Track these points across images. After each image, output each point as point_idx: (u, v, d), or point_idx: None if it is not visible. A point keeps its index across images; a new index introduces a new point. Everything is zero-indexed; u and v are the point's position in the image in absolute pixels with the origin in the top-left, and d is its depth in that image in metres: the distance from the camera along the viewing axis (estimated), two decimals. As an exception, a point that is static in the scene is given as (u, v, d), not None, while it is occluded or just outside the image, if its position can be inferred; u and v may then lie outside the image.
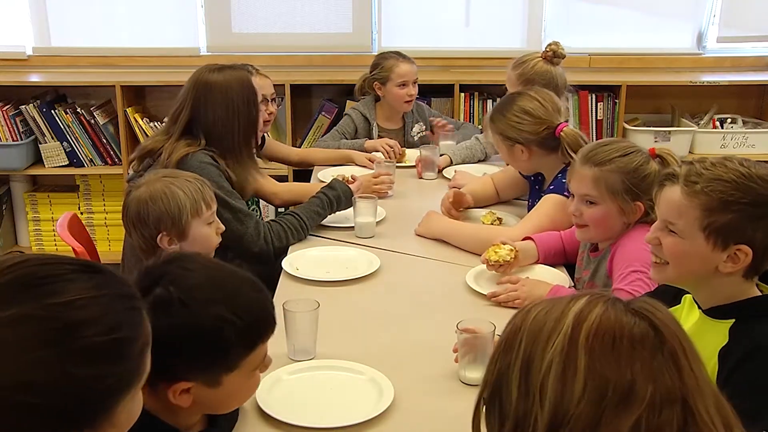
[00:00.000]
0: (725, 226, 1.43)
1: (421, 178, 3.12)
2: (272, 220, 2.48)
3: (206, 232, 1.96)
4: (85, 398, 0.88)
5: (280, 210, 3.94)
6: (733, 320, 1.45)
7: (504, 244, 2.14)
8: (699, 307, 1.52)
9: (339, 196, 2.57)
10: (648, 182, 1.94)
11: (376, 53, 4.00)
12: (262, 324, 1.30)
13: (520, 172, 2.67)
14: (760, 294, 1.49)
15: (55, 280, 0.90)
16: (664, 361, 0.90)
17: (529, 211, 2.61)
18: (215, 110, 2.37)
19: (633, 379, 0.88)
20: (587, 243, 2.15)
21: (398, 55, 3.39)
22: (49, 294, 0.88)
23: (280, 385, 1.63)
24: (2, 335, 0.84)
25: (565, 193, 2.23)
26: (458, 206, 2.61)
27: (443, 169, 3.16)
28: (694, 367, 0.92)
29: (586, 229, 2.06)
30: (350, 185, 2.64)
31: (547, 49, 2.93)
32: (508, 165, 3.21)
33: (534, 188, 2.62)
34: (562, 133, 2.37)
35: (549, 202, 2.37)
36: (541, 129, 2.39)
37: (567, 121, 2.43)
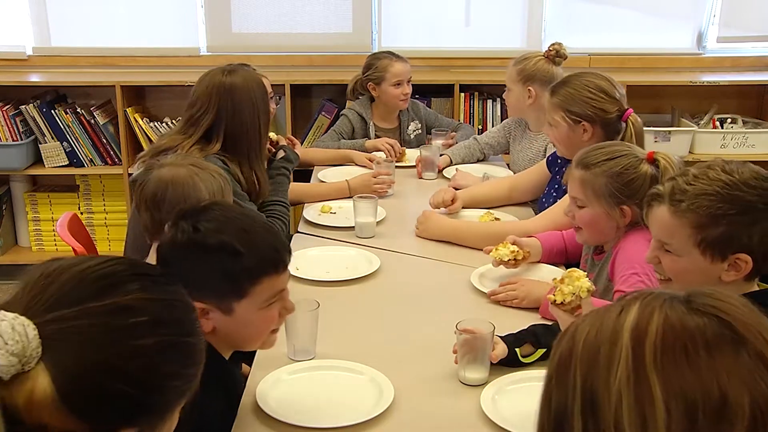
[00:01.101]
0: (719, 238, 1.43)
1: (421, 178, 3.12)
2: (270, 217, 2.48)
3: None
4: (162, 395, 0.90)
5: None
6: None
7: (512, 244, 2.13)
8: None
9: (292, 164, 2.69)
10: (635, 187, 1.93)
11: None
12: (269, 260, 1.44)
13: (548, 163, 2.65)
14: (758, 290, 1.50)
15: (144, 279, 0.93)
16: (752, 364, 0.74)
17: (544, 199, 2.62)
18: (242, 112, 2.40)
19: (723, 391, 0.73)
20: (591, 245, 2.15)
21: (391, 55, 3.40)
22: (143, 289, 0.91)
23: (280, 385, 1.63)
24: (105, 321, 0.86)
25: None
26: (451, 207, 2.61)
27: (443, 169, 3.17)
28: None
29: (581, 232, 2.07)
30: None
31: (550, 49, 2.95)
32: (508, 164, 3.23)
33: (555, 177, 2.62)
34: (630, 118, 2.33)
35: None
36: (614, 109, 2.36)
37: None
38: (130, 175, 3.64)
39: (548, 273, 2.18)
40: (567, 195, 2.37)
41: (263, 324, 1.47)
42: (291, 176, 2.72)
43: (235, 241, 1.39)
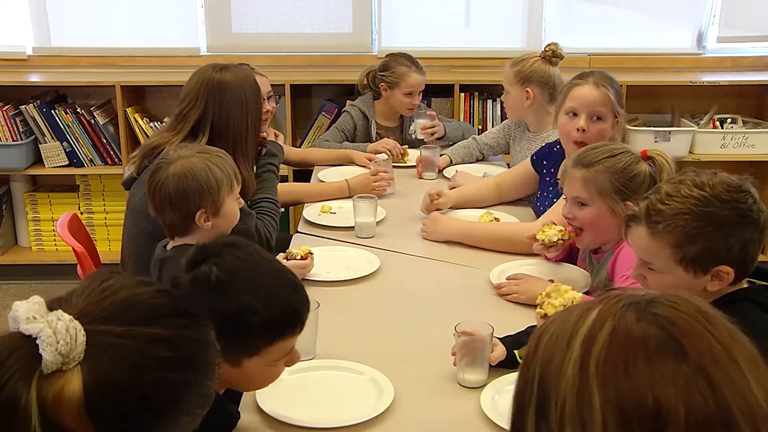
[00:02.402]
0: (699, 254, 1.47)
1: (421, 178, 3.12)
2: (258, 214, 2.46)
3: (235, 208, 1.99)
4: (172, 427, 0.93)
5: (281, 211, 3.95)
6: None
7: (555, 225, 2.12)
8: None
9: (278, 158, 2.66)
10: (637, 182, 1.96)
11: (376, 53, 4.02)
12: (288, 323, 1.38)
13: (533, 164, 2.65)
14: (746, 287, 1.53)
15: (186, 317, 0.97)
16: (691, 376, 0.75)
17: (538, 203, 2.63)
18: (230, 109, 2.38)
19: (657, 401, 0.74)
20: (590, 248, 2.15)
21: (410, 62, 3.36)
22: (184, 327, 0.95)
23: (280, 385, 1.62)
24: (146, 347, 0.90)
25: None
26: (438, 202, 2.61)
27: (443, 169, 3.17)
28: (740, 382, 0.76)
29: (583, 236, 2.07)
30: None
31: (547, 49, 2.94)
32: (508, 164, 3.23)
33: (545, 179, 2.62)
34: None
35: None
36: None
37: None
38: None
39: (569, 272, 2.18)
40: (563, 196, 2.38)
41: (268, 378, 1.44)
42: (278, 170, 2.66)
43: (258, 304, 1.32)
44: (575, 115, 2.41)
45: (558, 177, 2.15)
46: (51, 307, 0.88)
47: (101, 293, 0.92)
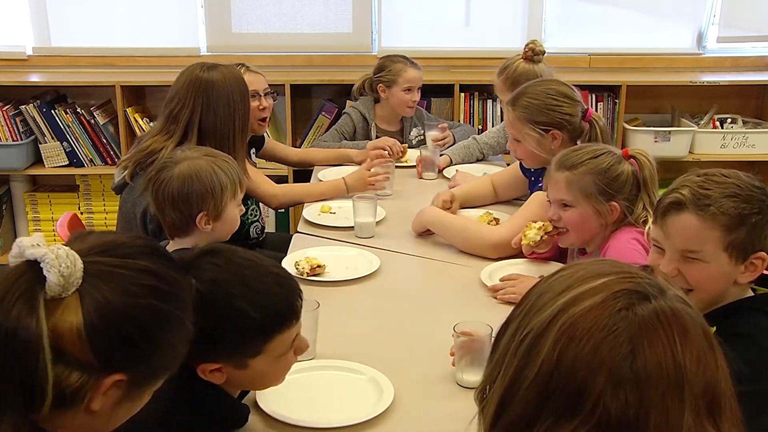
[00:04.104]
0: (744, 239, 1.44)
1: (421, 178, 3.12)
2: None
3: (236, 215, 2.00)
4: (158, 357, 1.04)
5: (281, 212, 3.95)
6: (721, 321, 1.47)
7: (534, 223, 2.12)
8: None
9: None
10: (620, 182, 1.96)
11: (376, 53, 4.02)
12: (282, 316, 1.37)
13: (522, 167, 2.65)
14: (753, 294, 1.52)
15: (166, 259, 1.09)
16: (625, 380, 0.79)
17: None
18: (218, 109, 2.38)
19: (584, 383, 0.79)
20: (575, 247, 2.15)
21: (405, 60, 3.37)
22: (168, 267, 1.06)
23: (281, 385, 1.62)
24: (139, 276, 1.00)
25: None
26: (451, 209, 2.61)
27: (443, 169, 3.16)
28: (672, 408, 0.79)
29: (567, 235, 2.07)
30: None
31: (526, 49, 2.92)
32: (508, 164, 3.23)
33: (538, 182, 2.61)
34: (594, 117, 2.35)
35: (536, 199, 2.34)
36: (578, 111, 2.34)
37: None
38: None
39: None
40: (533, 196, 2.37)
41: (279, 372, 1.44)
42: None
43: (248, 305, 1.31)
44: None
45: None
46: None
47: (96, 236, 1.04)
